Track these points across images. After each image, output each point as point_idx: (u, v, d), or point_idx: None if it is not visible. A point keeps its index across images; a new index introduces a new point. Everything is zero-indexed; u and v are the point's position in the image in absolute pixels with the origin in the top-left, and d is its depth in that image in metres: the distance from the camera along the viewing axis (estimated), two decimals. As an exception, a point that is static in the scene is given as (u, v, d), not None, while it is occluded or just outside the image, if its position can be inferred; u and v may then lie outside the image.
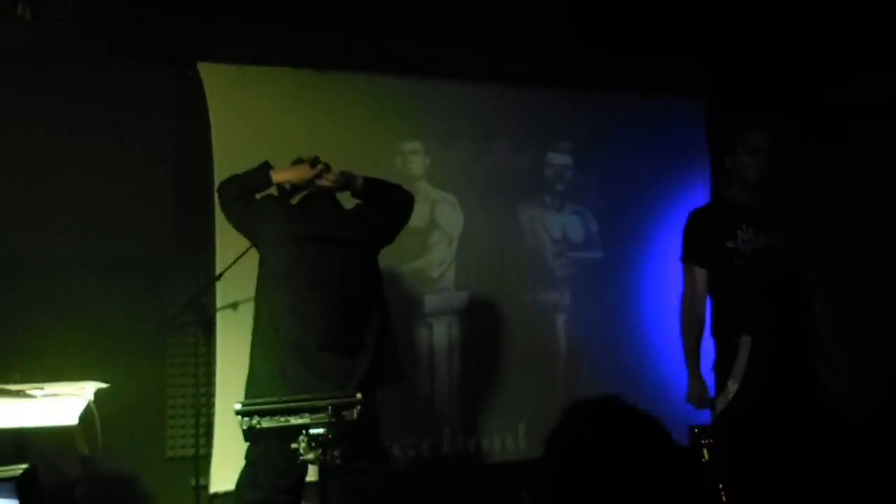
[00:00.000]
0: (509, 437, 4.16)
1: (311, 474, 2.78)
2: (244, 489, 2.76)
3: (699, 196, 4.56)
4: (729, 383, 2.81)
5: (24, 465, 0.94)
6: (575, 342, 4.32)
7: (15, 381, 2.72)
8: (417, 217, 4.02)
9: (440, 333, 4.08)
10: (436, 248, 4.11)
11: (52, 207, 3.61)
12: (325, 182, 2.91)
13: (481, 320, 4.16)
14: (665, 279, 4.46)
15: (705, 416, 4.31)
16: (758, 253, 2.81)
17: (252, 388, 2.80)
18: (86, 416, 2.47)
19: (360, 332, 2.82)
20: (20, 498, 0.92)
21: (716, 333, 2.98)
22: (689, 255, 2.94)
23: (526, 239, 4.27)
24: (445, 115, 4.15)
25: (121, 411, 3.23)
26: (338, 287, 2.81)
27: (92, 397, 2.67)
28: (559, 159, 4.34)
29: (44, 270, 3.54)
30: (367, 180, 2.99)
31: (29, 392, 2.57)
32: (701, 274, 2.91)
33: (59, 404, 2.44)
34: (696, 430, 4.21)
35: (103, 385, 2.90)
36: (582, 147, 4.37)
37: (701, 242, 2.91)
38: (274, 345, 2.76)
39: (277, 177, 2.92)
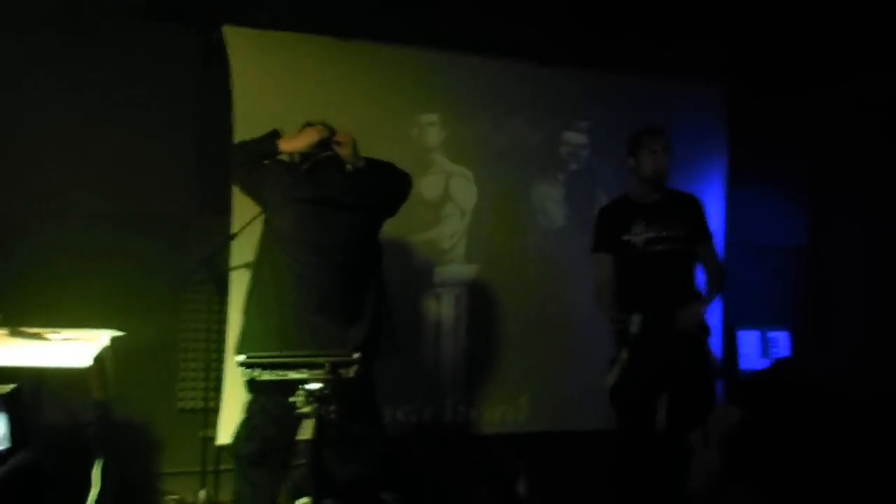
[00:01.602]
0: (510, 410, 4.24)
1: (306, 433, 2.89)
2: (241, 443, 2.87)
3: (717, 179, 4.57)
4: (621, 354, 3.20)
5: (13, 385, 1.04)
6: (582, 320, 4.36)
7: (38, 326, 2.84)
8: (431, 189, 4.11)
9: (448, 304, 4.15)
10: (448, 221, 4.16)
11: (78, 162, 3.73)
12: (341, 153, 2.98)
13: (489, 294, 4.22)
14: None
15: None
16: (647, 243, 3.22)
17: (245, 346, 2.85)
18: (100, 359, 2.58)
19: (357, 300, 2.88)
20: (8, 411, 1.03)
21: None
22: (597, 246, 3.35)
23: (537, 216, 4.31)
24: (464, 90, 4.18)
25: (135, 362, 3.37)
26: (340, 253, 2.88)
27: (107, 343, 2.78)
28: (575, 138, 4.36)
29: (68, 222, 3.65)
30: (368, 160, 3.05)
31: (46, 335, 2.68)
32: (607, 261, 3.28)
33: (74, 347, 2.55)
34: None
35: (119, 333, 3.01)
36: (598, 127, 4.39)
37: (605, 235, 3.32)
38: (273, 305, 2.84)
39: (285, 146, 2.99)
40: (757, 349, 4.54)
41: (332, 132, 3.04)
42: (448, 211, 4.18)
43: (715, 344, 4.52)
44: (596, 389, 4.21)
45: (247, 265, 3.71)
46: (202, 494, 3.64)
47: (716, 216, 4.55)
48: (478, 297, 4.21)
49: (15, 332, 2.70)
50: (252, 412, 2.86)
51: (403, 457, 3.83)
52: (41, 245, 3.59)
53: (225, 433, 3.64)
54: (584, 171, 4.39)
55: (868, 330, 4.51)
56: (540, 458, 4.06)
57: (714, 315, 4.53)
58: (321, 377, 2.14)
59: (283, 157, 3.07)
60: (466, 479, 3.93)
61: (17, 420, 0.91)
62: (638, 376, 3.19)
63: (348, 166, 3.01)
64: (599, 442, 4.25)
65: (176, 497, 3.74)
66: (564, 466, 4.12)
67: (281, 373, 2.16)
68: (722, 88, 4.55)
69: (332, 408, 2.14)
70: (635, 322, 3.16)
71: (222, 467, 3.73)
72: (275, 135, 3.04)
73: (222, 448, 3.69)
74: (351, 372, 2.20)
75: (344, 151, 2.99)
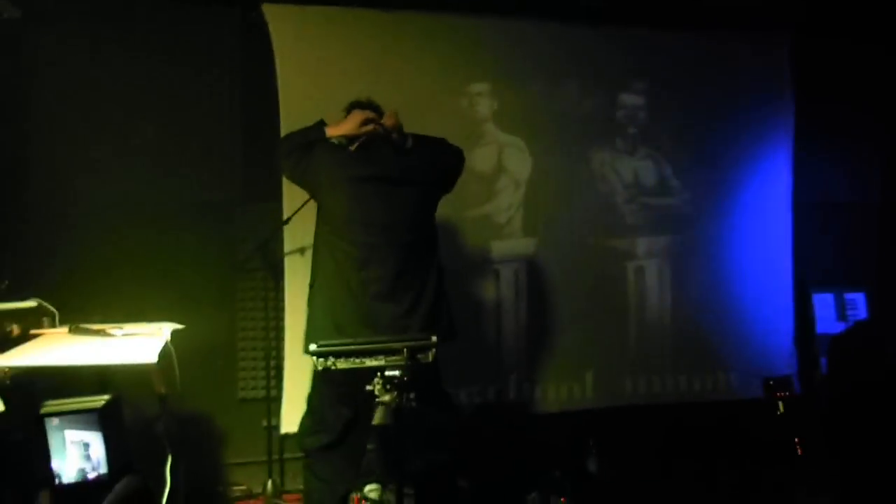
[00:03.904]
0: (576, 387, 4.11)
1: (378, 419, 2.79)
2: (307, 436, 2.78)
3: (783, 139, 4.34)
4: None
5: (107, 396, 0.92)
6: (647, 290, 4.20)
7: (96, 321, 2.77)
8: (484, 161, 3.96)
9: (507, 280, 4.02)
10: (503, 194, 4.01)
11: (125, 154, 3.66)
12: (386, 126, 2.87)
13: (549, 267, 4.07)
14: (744, 227, 4.29)
15: (781, 370, 4.20)
16: None
17: (312, 337, 2.71)
18: (164, 355, 2.50)
19: (419, 283, 2.76)
20: (103, 429, 0.90)
21: None
22: None
23: (596, 184, 4.13)
24: (514, 56, 4.00)
25: (194, 353, 3.25)
26: (403, 230, 2.76)
27: (169, 337, 2.70)
28: (632, 100, 4.16)
29: (119, 215, 3.59)
30: (416, 138, 2.92)
31: (109, 331, 2.61)
32: None
33: (138, 343, 2.47)
34: (772, 383, 4.10)
35: (179, 326, 2.94)
36: (656, 88, 4.18)
37: None
38: (332, 297, 2.74)
39: (331, 131, 2.89)
40: (832, 312, 4.33)
41: (379, 111, 2.92)
42: (502, 183, 4.02)
43: (787, 307, 4.34)
44: (656, 364, 4.11)
45: (300, 250, 3.66)
46: (269, 484, 3.59)
47: (783, 173, 4.35)
48: (537, 271, 4.06)
49: (76, 329, 2.63)
50: (317, 403, 2.76)
51: (470, 439, 3.74)
52: (91, 240, 3.54)
53: (288, 422, 3.58)
54: (644, 134, 4.18)
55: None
56: (608, 434, 3.94)
57: (785, 277, 4.35)
58: (399, 363, 2.02)
59: (334, 142, 2.96)
60: (536, 459, 3.82)
61: (113, 438, 0.82)
62: None
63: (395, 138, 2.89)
64: (665, 415, 4.15)
65: (243, 488, 3.70)
66: (633, 442, 4.00)
67: (357, 361, 2.05)
68: (786, 38, 4.29)
69: (412, 395, 2.02)
70: None
71: (287, 456, 3.68)
72: (321, 123, 2.95)
73: (286, 437, 3.63)
74: (430, 356, 2.08)
75: (388, 122, 2.87)
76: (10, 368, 2.36)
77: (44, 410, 0.81)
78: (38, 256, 3.38)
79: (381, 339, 2.19)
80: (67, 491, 0.81)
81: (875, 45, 4.31)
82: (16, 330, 2.60)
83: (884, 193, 4.64)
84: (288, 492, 3.64)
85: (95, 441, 0.82)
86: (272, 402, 3.67)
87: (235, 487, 3.70)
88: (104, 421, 0.81)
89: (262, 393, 3.74)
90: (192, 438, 3.62)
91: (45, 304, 2.76)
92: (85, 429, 0.82)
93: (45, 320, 2.75)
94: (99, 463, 0.81)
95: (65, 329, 2.67)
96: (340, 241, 2.77)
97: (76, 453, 0.82)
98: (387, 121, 2.88)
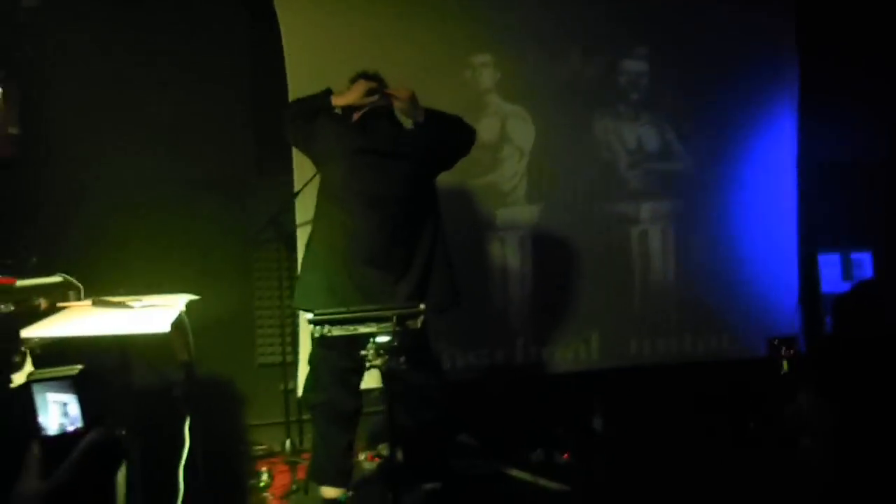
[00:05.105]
0: (582, 348, 4.23)
1: (370, 381, 2.96)
2: (311, 393, 2.97)
3: (788, 100, 4.34)
4: None
5: (79, 366, 1.10)
6: (651, 254, 4.29)
7: (120, 295, 2.96)
8: (488, 131, 4.04)
9: (512, 247, 4.13)
10: (507, 163, 4.10)
11: (142, 132, 3.82)
12: (395, 96, 2.93)
13: (554, 233, 4.17)
14: (748, 189, 4.33)
15: (785, 329, 4.27)
16: None
17: (300, 298, 2.94)
18: (178, 324, 2.68)
19: (409, 251, 2.86)
20: (78, 392, 1.09)
21: None
22: None
23: (599, 150, 4.20)
24: (515, 26, 4.06)
25: (215, 322, 3.46)
26: (393, 202, 2.85)
27: (184, 308, 2.88)
28: (634, 66, 4.19)
29: (137, 192, 3.76)
30: (430, 113, 2.96)
31: (128, 303, 2.80)
32: None
33: (153, 314, 2.65)
34: (776, 342, 4.17)
35: (195, 297, 3.11)
36: (659, 53, 4.21)
37: None
38: (325, 259, 2.87)
39: (337, 100, 2.97)
40: (838, 272, 4.37)
41: (382, 82, 3.01)
42: (506, 152, 4.11)
43: (792, 267, 4.39)
44: (661, 325, 4.21)
45: (311, 222, 3.80)
46: (287, 444, 3.80)
47: (788, 134, 4.37)
48: (542, 237, 4.17)
49: (98, 302, 2.82)
50: (314, 363, 2.94)
51: (477, 399, 3.90)
52: (112, 217, 3.70)
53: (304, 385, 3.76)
54: (646, 99, 4.22)
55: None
56: (613, 394, 4.06)
57: (790, 238, 4.39)
58: (389, 330, 2.17)
59: (337, 112, 3.06)
60: (542, 418, 3.97)
61: (86, 399, 0.97)
62: None
63: (407, 119, 2.98)
64: (670, 376, 4.25)
65: (264, 447, 3.92)
66: (638, 401, 4.12)
67: (351, 328, 2.20)
68: (790, 3, 4.27)
69: (402, 359, 2.17)
70: None
71: (304, 417, 3.88)
72: (327, 92, 3.03)
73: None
74: (418, 323, 2.22)
75: (399, 105, 2.95)
76: (41, 339, 2.56)
77: (29, 378, 0.98)
78: (63, 233, 3.57)
79: (371, 307, 2.33)
80: (52, 440, 1.01)
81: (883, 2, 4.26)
82: (43, 304, 2.79)
83: (892, 152, 4.62)
84: (306, 451, 3.84)
85: (72, 402, 0.97)
86: (289, 367, 3.86)
87: (257, 447, 3.92)
88: (78, 386, 0.96)
89: (279, 358, 3.93)
90: (216, 402, 3.83)
91: (70, 278, 2.95)
92: (63, 391, 0.96)
93: (71, 294, 2.94)
94: (76, 419, 0.96)
95: (88, 302, 2.86)
96: (334, 208, 2.90)
97: (57, 411, 0.97)
98: (400, 93, 2.93)
